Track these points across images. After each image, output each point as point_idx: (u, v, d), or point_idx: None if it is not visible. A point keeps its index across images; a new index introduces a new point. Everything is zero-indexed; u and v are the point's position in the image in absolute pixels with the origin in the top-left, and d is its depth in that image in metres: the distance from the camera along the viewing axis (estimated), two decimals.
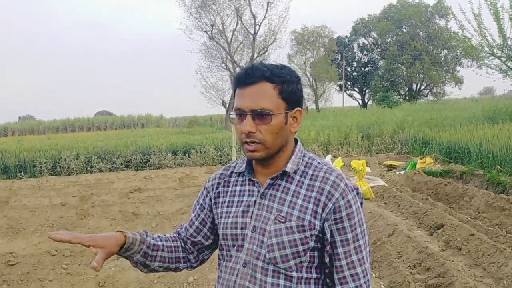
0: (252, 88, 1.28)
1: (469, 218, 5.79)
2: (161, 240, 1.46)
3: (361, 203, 1.33)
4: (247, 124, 1.27)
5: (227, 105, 27.77)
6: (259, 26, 27.38)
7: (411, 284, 3.90)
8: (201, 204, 1.53)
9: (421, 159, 10.85)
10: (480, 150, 9.36)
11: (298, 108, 1.36)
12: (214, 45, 27.64)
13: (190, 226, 1.53)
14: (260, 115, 1.27)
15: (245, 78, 1.29)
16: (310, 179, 1.32)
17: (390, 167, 11.30)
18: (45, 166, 13.32)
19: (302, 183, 1.32)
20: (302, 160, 1.37)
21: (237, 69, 27.28)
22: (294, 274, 1.29)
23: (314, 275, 1.32)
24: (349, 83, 46.46)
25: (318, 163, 1.36)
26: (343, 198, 1.27)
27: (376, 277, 4.38)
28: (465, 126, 12.03)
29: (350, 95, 48.10)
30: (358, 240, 1.28)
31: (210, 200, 1.50)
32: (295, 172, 1.34)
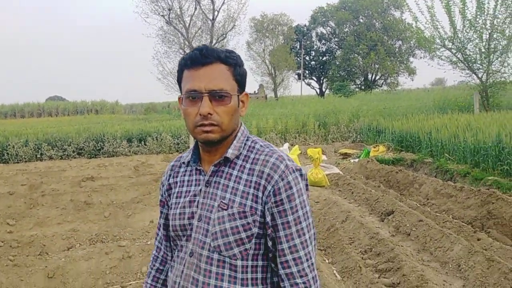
0: (208, 68, 1.25)
1: (418, 205, 6.00)
2: None
3: (306, 185, 1.31)
4: (206, 105, 1.23)
5: None
6: (218, 11, 27.08)
7: (362, 269, 4.01)
8: (161, 200, 1.52)
9: (374, 147, 11.14)
10: (430, 139, 9.71)
11: (246, 92, 1.36)
12: (171, 30, 27.13)
13: (159, 228, 1.53)
14: (218, 96, 1.24)
15: (200, 59, 1.25)
16: (252, 163, 1.29)
17: (345, 155, 11.55)
18: None
19: (244, 167, 1.29)
20: (245, 144, 1.34)
21: None
22: (239, 262, 1.26)
23: (261, 263, 1.29)
24: (307, 71, 46.95)
25: (261, 146, 1.33)
26: (282, 179, 1.24)
27: (329, 262, 4.47)
28: (416, 116, 12.43)
29: (308, 84, 48.71)
30: (300, 222, 1.26)
31: (164, 193, 1.49)
32: (237, 157, 1.32)
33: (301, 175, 1.29)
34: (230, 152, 1.30)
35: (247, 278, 1.27)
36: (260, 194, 1.25)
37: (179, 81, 1.33)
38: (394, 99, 23.33)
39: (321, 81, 47.41)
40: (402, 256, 4.08)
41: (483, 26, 13.44)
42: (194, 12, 26.89)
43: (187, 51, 26.93)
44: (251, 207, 1.25)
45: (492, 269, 3.63)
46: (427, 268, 4.03)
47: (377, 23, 41.83)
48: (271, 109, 20.73)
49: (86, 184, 8.75)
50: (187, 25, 26.80)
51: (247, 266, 1.27)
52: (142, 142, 13.99)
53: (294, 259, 1.25)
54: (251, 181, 1.27)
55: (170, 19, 26.44)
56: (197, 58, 1.25)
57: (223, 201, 1.27)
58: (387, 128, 12.15)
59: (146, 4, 26.84)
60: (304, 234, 1.26)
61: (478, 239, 4.41)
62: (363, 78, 43.63)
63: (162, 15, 26.36)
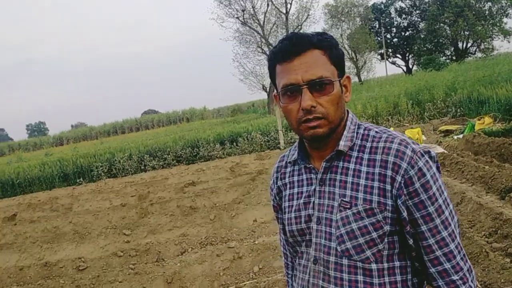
0: (302, 58, 1.12)
1: None
2: None
3: (438, 168, 1.14)
4: (307, 98, 1.11)
5: (268, 89, 27.59)
6: (291, 4, 26.91)
7: (489, 254, 3.65)
8: (274, 206, 1.43)
9: (479, 120, 10.26)
10: None
11: (347, 75, 1.21)
12: (247, 30, 27.47)
13: (280, 234, 1.44)
14: (319, 86, 1.12)
15: (291, 49, 1.13)
16: (370, 153, 1.15)
17: (447, 132, 10.77)
18: (102, 169, 13.80)
19: (362, 159, 1.15)
20: (357, 133, 1.20)
21: None
22: (373, 266, 1.13)
23: (398, 263, 1.15)
24: (390, 50, 44.87)
25: (376, 132, 1.18)
26: (412, 167, 1.08)
27: None
28: None
29: (393, 63, 46.50)
30: (443, 212, 1.10)
31: (275, 197, 1.39)
32: (351, 149, 1.18)
33: (431, 157, 1.13)
34: (342, 144, 1.17)
35: (384, 283, 1.13)
36: (388, 187, 1.10)
37: (273, 77, 1.22)
38: (492, 65, 21.38)
39: (407, 58, 45.03)
40: None
41: None
42: (267, 9, 26.99)
43: (265, 49, 27.19)
44: (379, 202, 1.11)
45: None
46: None
47: None
48: (357, 94, 20.10)
49: (188, 189, 9.13)
50: (261, 23, 26.98)
51: (383, 269, 1.14)
52: (234, 144, 14.32)
53: (445, 254, 1.10)
54: (373, 173, 1.12)
55: (245, 20, 26.80)
56: (288, 49, 1.14)
57: (344, 199, 1.15)
58: (491, 97, 11.15)
59: (221, 9, 27.35)
60: (449, 224, 1.11)
61: None
62: (453, 48, 40.61)
63: (237, 17, 26.82)
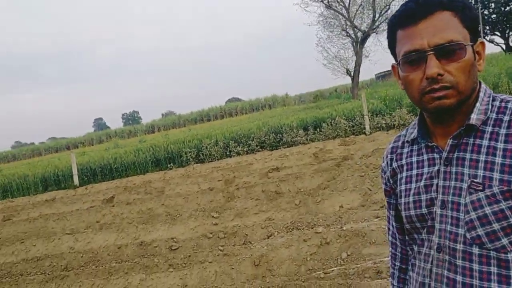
0: (429, 20, 1.01)
1: None
2: None
3: None
4: (433, 65, 0.99)
5: (352, 73, 26.82)
6: None
7: None
8: (386, 190, 1.31)
9: None
10: None
11: (482, 40, 1.06)
12: (332, 13, 26.78)
13: (389, 222, 1.34)
14: (448, 51, 1.00)
15: (417, 10, 1.02)
16: (508, 127, 1.01)
17: None
18: (190, 155, 14.38)
19: (498, 134, 1.02)
20: (492, 105, 1.06)
21: (359, 34, 26.11)
22: (510, 256, 0.98)
23: None
24: (488, 27, 41.32)
25: None
26: None
27: None
28: None
29: (491, 41, 42.78)
30: None
31: (389, 181, 1.27)
32: (484, 124, 1.04)
33: None
34: (475, 118, 1.04)
35: None
36: None
37: (392, 46, 1.12)
38: None
39: (507, 35, 41.19)
40: None
41: None
42: None
43: (350, 31, 26.39)
44: None
45: None
46: None
47: None
48: None
49: (272, 174, 9.19)
50: (346, 4, 26.15)
51: None
52: (318, 129, 14.15)
53: None
54: None
55: (329, 3, 26.15)
56: (413, 11, 1.02)
57: (475, 180, 1.02)
58: None
59: None
60: None
61: None
62: None
63: (321, 1, 26.25)
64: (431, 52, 1.01)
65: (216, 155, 14.28)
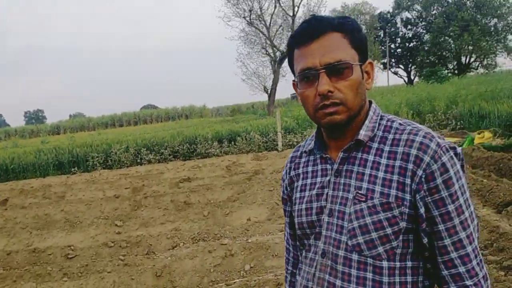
0: (321, 41, 1.08)
1: None
2: None
3: (462, 166, 1.07)
4: (324, 83, 1.06)
5: (269, 90, 27.55)
6: (298, 7, 26.84)
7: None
8: (283, 198, 1.37)
9: (478, 134, 10.24)
10: None
11: (370, 61, 1.15)
12: (253, 30, 27.45)
13: (287, 227, 1.39)
14: (337, 70, 1.07)
15: (310, 32, 1.08)
16: (391, 145, 1.09)
17: None
18: (97, 160, 13.71)
19: (382, 151, 1.09)
20: (379, 124, 1.14)
21: (277, 54, 26.95)
22: (385, 264, 1.06)
23: (410, 264, 1.08)
24: (393, 60, 44.93)
25: (400, 124, 1.12)
26: (435, 161, 1.02)
27: None
28: None
29: (395, 73, 46.58)
30: (463, 212, 1.03)
31: (286, 188, 1.33)
32: (371, 140, 1.12)
33: (456, 154, 1.06)
34: (363, 134, 1.12)
35: (394, 283, 1.07)
36: (407, 181, 1.04)
37: (291, 63, 1.18)
38: (494, 81, 21.41)
39: (409, 69, 45.10)
40: None
41: None
42: (274, 10, 26.96)
43: (269, 50, 27.17)
44: (396, 197, 1.05)
45: None
46: None
47: (468, 2, 38.73)
48: None
49: (183, 185, 9.07)
50: (268, 24, 26.94)
51: (394, 268, 1.07)
52: (232, 143, 14.26)
53: (460, 257, 1.03)
54: (393, 166, 1.06)
55: (251, 20, 26.75)
56: (307, 32, 1.09)
57: (360, 191, 1.09)
58: (492, 112, 11.14)
59: (228, 8, 27.30)
60: (468, 226, 1.04)
61: None
62: (456, 62, 40.69)
63: (243, 17, 26.77)
64: (322, 70, 1.07)
65: (126, 161, 13.76)
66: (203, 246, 4.94)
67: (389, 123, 1.14)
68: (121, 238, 5.77)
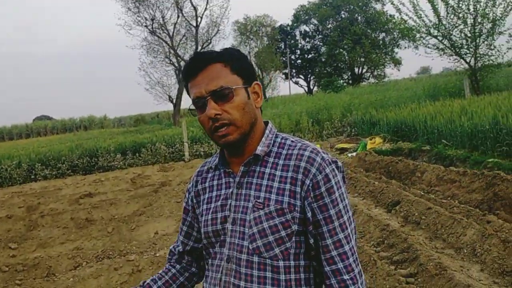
0: (204, 72, 1.23)
1: (423, 193, 5.98)
2: (155, 283, 1.43)
3: (343, 177, 1.26)
4: (211, 107, 1.20)
5: (174, 100, 27.25)
6: (201, 18, 26.98)
7: (377, 262, 3.96)
8: (185, 208, 1.47)
9: (370, 139, 11.14)
10: (425, 127, 9.73)
11: (256, 82, 1.31)
12: (155, 39, 26.95)
13: (180, 234, 1.49)
14: (221, 95, 1.21)
15: (194, 66, 1.24)
16: (285, 159, 1.25)
17: (342, 150, 11.53)
18: None
19: (277, 164, 1.25)
20: (274, 141, 1.30)
21: (182, 63, 26.77)
22: (281, 263, 1.21)
23: (303, 262, 1.23)
24: (294, 70, 47.01)
25: (292, 141, 1.29)
26: (320, 172, 1.19)
27: None
28: (408, 105, 12.47)
29: (296, 83, 48.75)
30: (342, 216, 1.21)
31: (192, 200, 1.43)
32: (268, 155, 1.27)
33: (337, 167, 1.25)
34: (260, 149, 1.26)
35: (290, 279, 1.21)
36: (298, 189, 1.20)
37: (188, 94, 1.32)
38: (383, 90, 23.45)
39: (309, 79, 47.51)
40: (416, 245, 4.04)
41: (467, 11, 13.50)
42: (177, 20, 26.78)
43: (173, 59, 26.89)
44: (289, 203, 1.20)
45: (509, 250, 3.61)
46: (443, 256, 3.99)
47: (359, 17, 42.03)
48: (262, 111, 20.65)
49: (84, 201, 8.62)
50: (171, 33, 26.67)
51: (289, 267, 1.22)
52: (137, 154, 13.85)
53: (339, 255, 1.20)
54: (286, 177, 1.22)
55: (154, 29, 26.30)
56: (192, 66, 1.25)
57: (258, 200, 1.22)
58: (381, 119, 12.17)
59: (129, 16, 26.50)
60: (346, 228, 1.21)
61: (488, 222, 4.37)
62: (350, 73, 43.79)
63: (145, 26, 26.21)
64: (208, 97, 1.21)
65: (18, 178, 12.70)
66: (108, 264, 4.76)
67: (283, 141, 1.30)
68: (16, 261, 5.33)
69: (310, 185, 1.19)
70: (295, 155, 1.23)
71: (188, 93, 1.30)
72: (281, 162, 1.24)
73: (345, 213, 1.22)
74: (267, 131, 1.31)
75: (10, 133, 45.10)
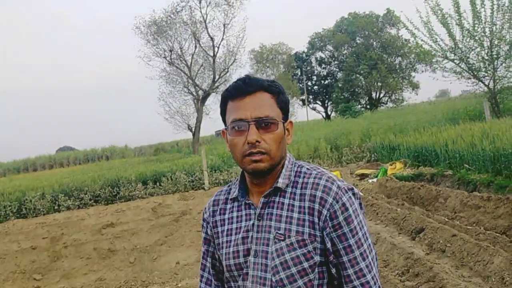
0: (253, 97, 1.25)
1: (447, 219, 5.87)
2: None
3: (360, 204, 1.27)
4: (253, 133, 1.22)
5: (193, 129, 27.56)
6: (218, 48, 27.48)
7: None
8: (206, 238, 1.45)
9: (391, 165, 11.03)
10: (446, 151, 9.61)
11: (291, 120, 1.35)
12: (174, 70, 27.50)
13: (203, 269, 1.45)
14: (265, 124, 1.24)
15: (244, 88, 1.26)
16: (301, 188, 1.26)
17: (362, 176, 11.43)
18: (10, 209, 12.70)
19: (295, 194, 1.26)
20: (293, 171, 1.32)
21: (200, 92, 27.23)
22: None
23: None
24: (311, 97, 47.20)
25: (307, 169, 1.31)
26: (337, 202, 1.20)
27: None
28: (428, 129, 12.35)
29: (313, 109, 48.84)
30: (362, 245, 1.22)
31: (211, 230, 1.43)
32: (287, 185, 1.29)
33: (354, 194, 1.26)
34: (281, 182, 1.28)
35: None
36: (316, 220, 1.22)
37: (223, 113, 1.33)
38: (402, 114, 23.30)
39: (326, 105, 47.58)
40: (442, 274, 3.96)
41: (483, 34, 13.50)
42: (195, 50, 27.35)
43: (191, 89, 27.33)
44: (309, 234, 1.21)
45: None
46: (470, 284, 3.89)
47: (374, 42, 42.23)
48: None
49: (107, 231, 8.71)
50: (189, 64, 27.20)
51: None
52: (157, 183, 13.96)
53: (362, 284, 1.21)
54: (304, 207, 1.23)
55: (172, 60, 26.88)
56: (241, 88, 1.26)
57: (279, 231, 1.24)
58: (401, 144, 12.07)
59: (148, 48, 27.15)
60: (367, 257, 1.22)
61: None
62: (367, 98, 43.71)
63: (164, 57, 26.85)
64: (252, 122, 1.23)
65: (42, 209, 12.90)
66: None
67: (299, 169, 1.32)
68: None
69: (328, 215, 1.20)
70: (310, 184, 1.25)
71: (223, 113, 1.32)
72: (298, 191, 1.26)
73: (365, 241, 1.23)
74: (286, 162, 1.32)
75: (34, 164, 46.07)
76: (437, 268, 4.14)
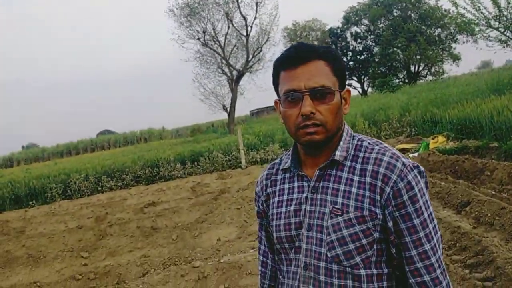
0: (306, 66, 1.16)
1: (494, 192, 5.64)
2: None
3: (426, 183, 1.18)
4: (307, 104, 1.14)
5: (228, 109, 27.67)
6: (251, 27, 27.32)
7: (449, 265, 3.77)
8: (259, 212, 1.41)
9: (433, 139, 10.69)
10: (492, 123, 9.19)
11: (348, 88, 1.25)
12: (208, 51, 27.60)
13: (261, 242, 1.43)
14: (320, 94, 1.15)
15: (296, 57, 1.17)
16: (362, 163, 1.18)
17: (403, 151, 11.13)
18: (56, 191, 13.26)
19: (354, 168, 1.19)
20: (351, 144, 1.23)
21: (234, 72, 27.20)
22: (362, 272, 1.15)
23: (386, 270, 1.17)
24: (347, 72, 46.19)
25: (369, 143, 1.22)
26: (402, 180, 1.12)
27: None
28: (471, 101, 11.84)
29: (349, 85, 47.79)
30: (427, 225, 1.13)
31: (262, 204, 1.38)
32: (345, 158, 1.21)
33: (419, 172, 1.16)
34: (338, 154, 1.20)
35: None
36: (377, 197, 1.14)
37: (275, 83, 1.26)
38: (443, 87, 22.45)
39: (362, 80, 46.55)
40: (491, 248, 3.80)
41: None
42: (228, 31, 27.30)
43: (225, 69, 27.36)
44: (370, 210, 1.14)
45: None
46: None
47: (412, 14, 40.63)
48: None
49: (149, 210, 8.92)
50: (222, 44, 27.20)
51: (371, 275, 1.16)
52: (195, 163, 14.17)
53: (425, 267, 1.13)
54: (365, 183, 1.16)
55: (206, 41, 26.94)
56: (294, 57, 1.18)
57: (335, 206, 1.17)
58: (443, 117, 11.65)
59: (181, 30, 27.25)
60: (432, 238, 1.14)
61: None
62: (405, 71, 42.39)
63: (197, 38, 26.92)
64: (306, 93, 1.15)
65: (86, 190, 13.40)
66: (175, 271, 4.88)
67: (359, 142, 1.24)
68: (88, 270, 5.60)
69: (391, 193, 1.13)
70: (373, 159, 1.17)
71: (275, 83, 1.25)
72: (358, 166, 1.19)
73: (430, 222, 1.15)
74: (344, 134, 1.24)
75: (76, 148, 47.75)
76: (486, 242, 3.98)
